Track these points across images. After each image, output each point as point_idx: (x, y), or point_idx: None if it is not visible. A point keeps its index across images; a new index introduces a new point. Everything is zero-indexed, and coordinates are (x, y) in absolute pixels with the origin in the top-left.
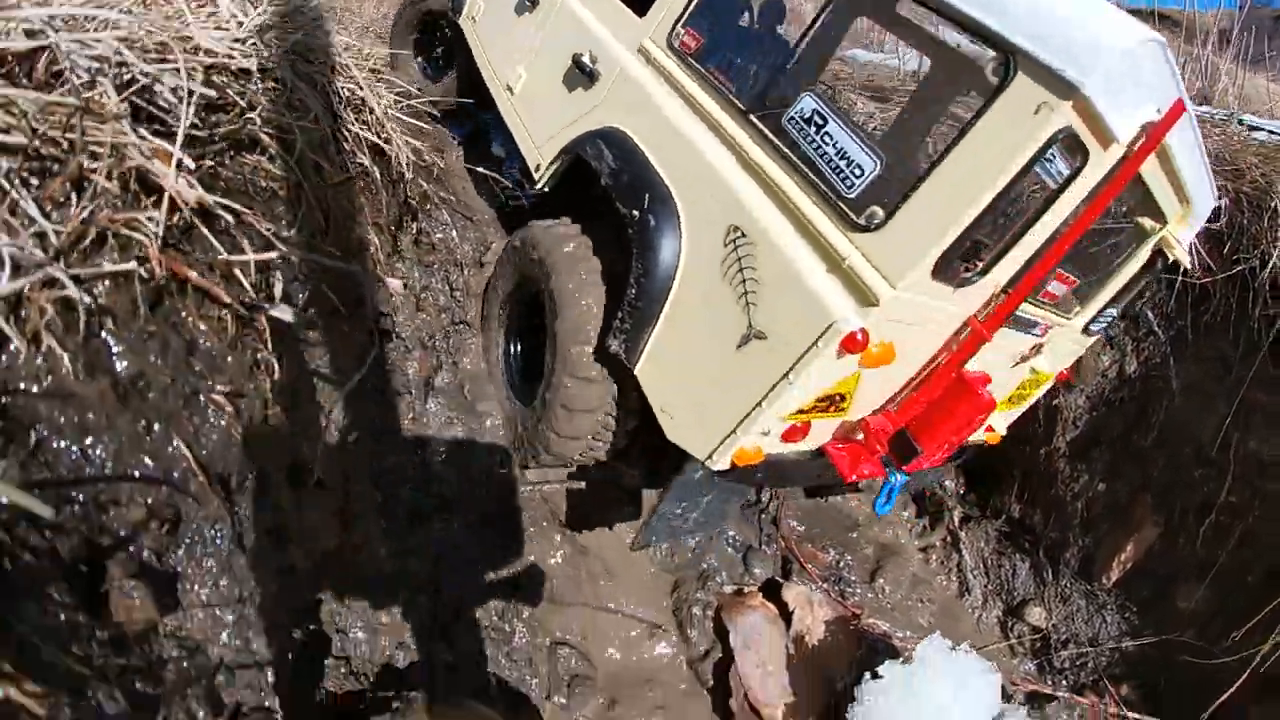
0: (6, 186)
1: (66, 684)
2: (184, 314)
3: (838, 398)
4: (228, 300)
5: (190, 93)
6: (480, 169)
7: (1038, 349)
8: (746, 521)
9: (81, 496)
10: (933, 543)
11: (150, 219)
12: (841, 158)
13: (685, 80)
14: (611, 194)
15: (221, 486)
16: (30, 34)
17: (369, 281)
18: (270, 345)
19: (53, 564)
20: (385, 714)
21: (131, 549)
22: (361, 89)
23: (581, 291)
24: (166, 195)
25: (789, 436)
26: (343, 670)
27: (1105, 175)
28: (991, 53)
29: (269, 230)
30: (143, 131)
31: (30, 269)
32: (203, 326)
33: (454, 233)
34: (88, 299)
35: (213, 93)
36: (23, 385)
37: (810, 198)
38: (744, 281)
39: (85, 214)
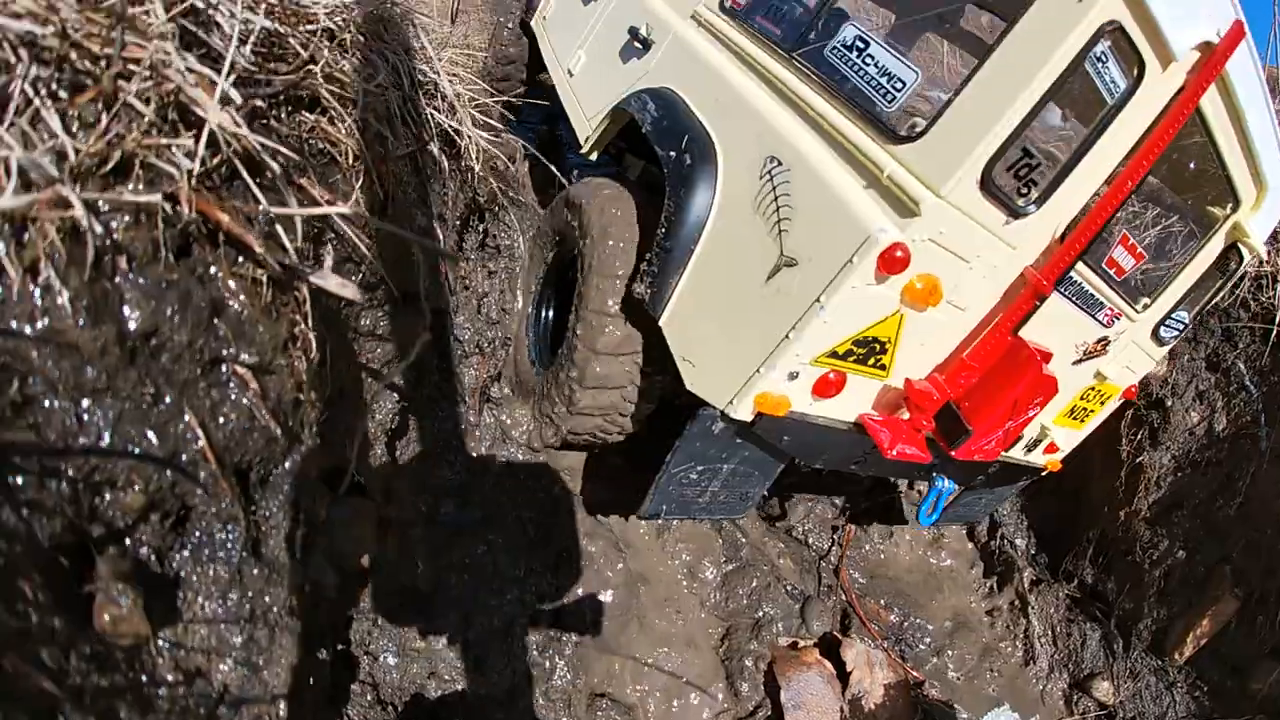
0: (31, 95)
1: (31, 704)
2: (213, 267)
3: (877, 346)
4: (265, 257)
5: (249, 24)
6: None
7: (1104, 345)
8: (805, 570)
9: (70, 470)
10: (999, 605)
11: (185, 151)
12: (883, 75)
13: (733, 35)
14: (651, 139)
15: (238, 479)
16: None
17: (429, 269)
18: (310, 320)
19: (28, 550)
20: None
21: (126, 544)
22: (438, 75)
23: (613, 233)
24: (206, 128)
25: (821, 389)
26: (368, 698)
27: (1165, 106)
28: None
29: (322, 195)
30: (188, 56)
31: (40, 184)
32: (233, 285)
33: (520, 239)
34: (99, 228)
35: (274, 25)
36: (14, 324)
37: (851, 119)
38: (777, 210)
39: (112, 135)
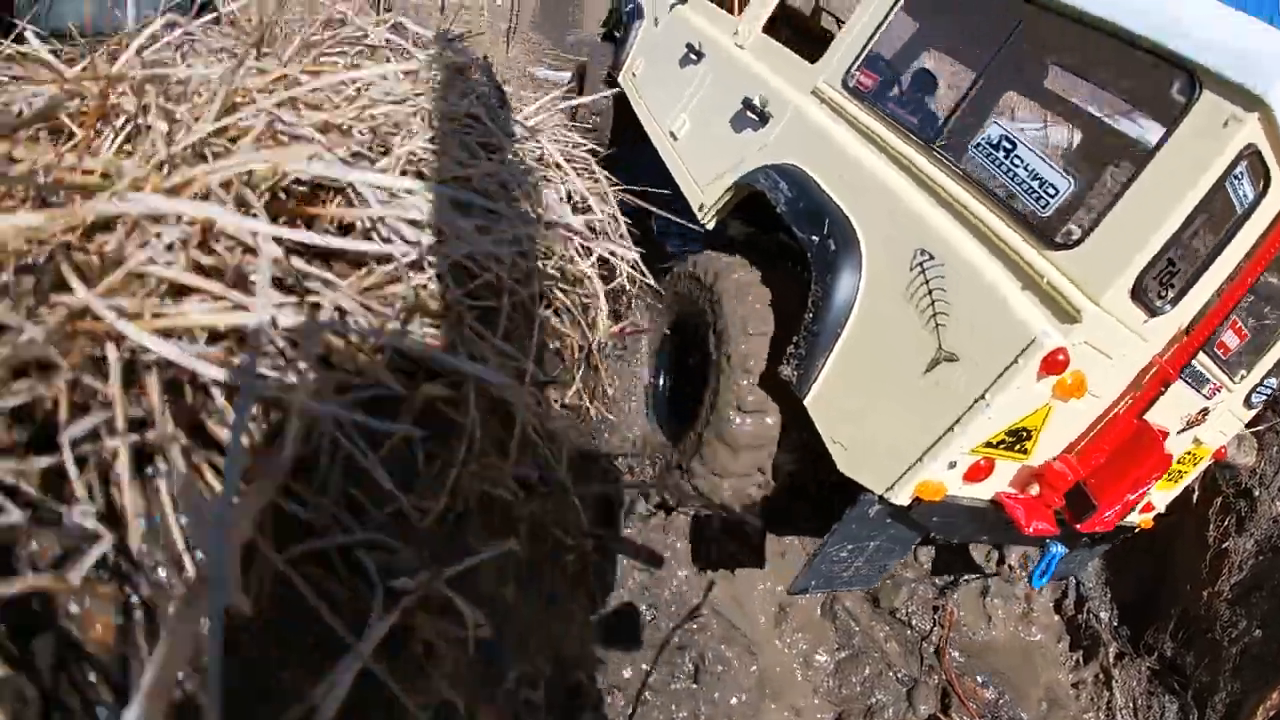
0: (347, 444)
1: None
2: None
3: (1024, 434)
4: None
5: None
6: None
7: (1204, 415)
8: (909, 651)
9: None
10: (1084, 678)
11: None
12: (1034, 179)
13: (862, 116)
14: (787, 220)
15: None
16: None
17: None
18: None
19: None
20: None
21: None
22: (589, 196)
23: (751, 319)
24: (518, 428)
25: (972, 475)
26: None
27: None
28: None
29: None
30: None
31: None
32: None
33: (644, 339)
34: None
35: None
36: None
37: (1002, 219)
38: (932, 303)
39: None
